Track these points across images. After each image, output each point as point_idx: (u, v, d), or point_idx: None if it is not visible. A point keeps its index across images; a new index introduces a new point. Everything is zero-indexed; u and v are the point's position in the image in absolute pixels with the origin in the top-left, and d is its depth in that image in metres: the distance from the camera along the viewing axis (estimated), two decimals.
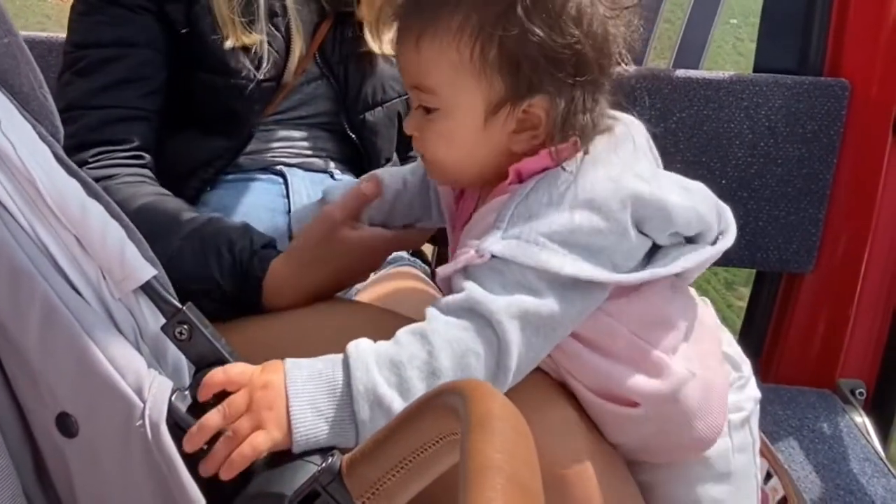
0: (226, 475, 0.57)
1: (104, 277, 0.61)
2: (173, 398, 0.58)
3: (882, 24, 1.36)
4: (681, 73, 1.40)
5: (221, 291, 0.84)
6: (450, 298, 0.66)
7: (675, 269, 0.69)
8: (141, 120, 1.02)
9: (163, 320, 0.61)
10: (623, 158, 0.71)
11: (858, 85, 1.37)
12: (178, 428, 0.57)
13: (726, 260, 1.43)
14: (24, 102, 0.63)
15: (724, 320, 0.90)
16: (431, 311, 0.65)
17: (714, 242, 0.74)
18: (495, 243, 0.66)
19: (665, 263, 0.69)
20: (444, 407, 0.48)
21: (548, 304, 0.64)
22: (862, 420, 1.28)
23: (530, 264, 0.64)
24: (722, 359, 0.75)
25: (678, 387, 0.68)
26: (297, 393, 0.60)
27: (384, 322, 0.72)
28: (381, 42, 1.08)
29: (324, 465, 0.54)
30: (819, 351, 1.43)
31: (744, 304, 1.63)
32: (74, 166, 0.62)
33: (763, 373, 1.49)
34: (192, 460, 0.57)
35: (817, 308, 1.44)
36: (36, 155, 0.60)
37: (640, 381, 0.68)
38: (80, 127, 0.97)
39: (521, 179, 0.70)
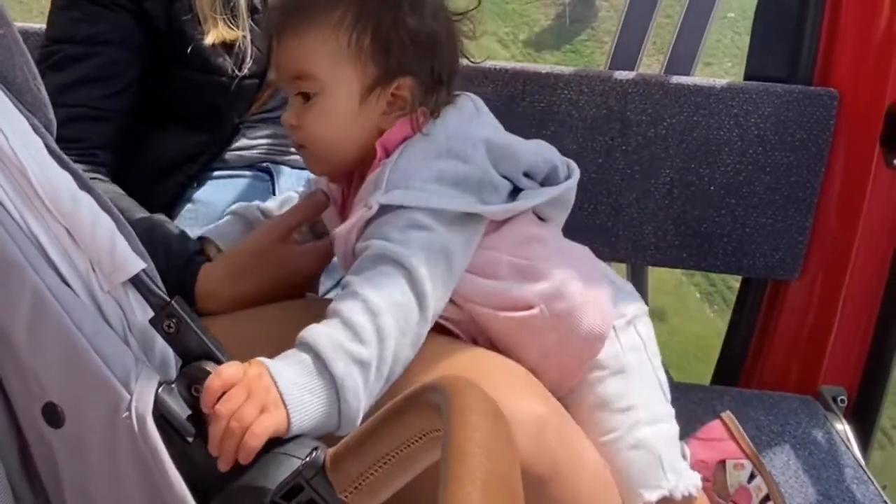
0: (245, 460, 0.58)
1: (94, 270, 0.61)
2: (160, 391, 0.59)
3: (872, 34, 1.38)
4: (672, 79, 1.41)
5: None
6: (358, 260, 0.73)
7: (532, 202, 0.80)
8: (102, 120, 1.02)
9: (151, 313, 0.61)
10: (469, 116, 0.83)
11: (847, 95, 1.38)
12: (164, 420, 0.58)
13: (713, 265, 1.45)
14: (18, 94, 0.63)
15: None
16: (348, 277, 0.72)
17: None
18: (380, 196, 0.75)
19: (524, 197, 0.81)
20: (426, 403, 0.49)
21: (439, 236, 0.74)
22: (843, 427, 1.29)
23: (416, 205, 0.74)
24: (597, 266, 0.87)
25: (560, 284, 0.78)
26: (280, 376, 0.62)
27: None
28: None
29: (307, 459, 0.55)
30: (802, 358, 1.44)
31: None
32: (66, 158, 0.63)
33: (746, 378, 1.50)
34: (176, 454, 0.58)
35: (802, 315, 1.45)
36: (29, 147, 0.60)
37: (528, 288, 0.78)
38: None
39: (387, 154, 0.79)
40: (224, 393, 0.60)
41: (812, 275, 1.43)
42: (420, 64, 0.80)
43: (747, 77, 1.48)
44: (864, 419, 1.34)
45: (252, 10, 1.05)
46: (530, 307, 0.78)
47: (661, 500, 0.80)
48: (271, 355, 0.65)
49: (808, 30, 1.42)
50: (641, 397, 0.82)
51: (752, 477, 0.93)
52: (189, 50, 1.02)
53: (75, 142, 0.99)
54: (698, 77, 1.45)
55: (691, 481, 0.81)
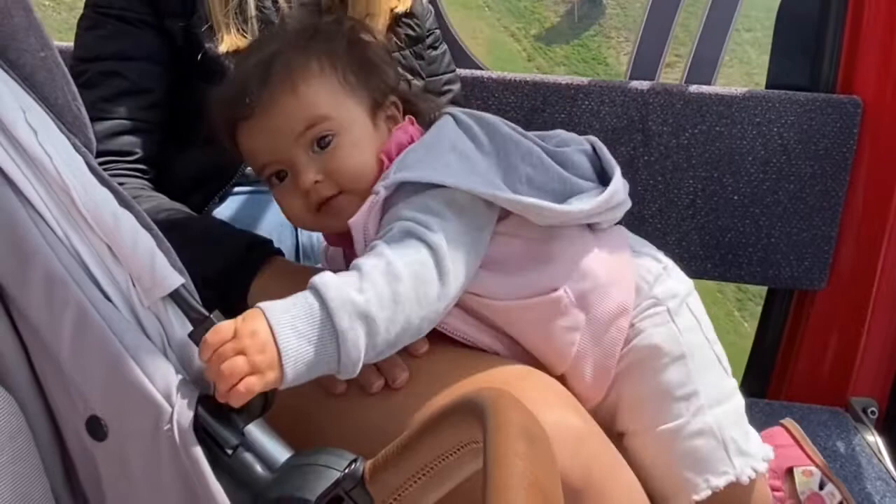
0: (236, 403, 0.60)
1: (134, 285, 0.62)
2: (200, 404, 0.60)
3: (894, 41, 1.37)
4: (693, 88, 1.41)
5: (222, 280, 0.87)
6: (387, 235, 0.74)
7: (531, 202, 0.78)
8: (143, 132, 1.04)
9: (190, 328, 0.62)
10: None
11: (871, 102, 1.38)
12: (205, 434, 0.58)
13: (738, 276, 1.44)
14: (59, 114, 0.65)
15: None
16: (376, 241, 0.74)
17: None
18: (389, 178, 0.78)
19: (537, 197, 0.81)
20: (465, 415, 0.49)
21: (451, 221, 0.75)
22: (874, 439, 1.28)
23: (425, 180, 0.77)
24: (627, 241, 0.87)
25: (579, 261, 0.80)
26: (278, 323, 0.63)
27: None
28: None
29: (346, 470, 0.55)
30: (831, 369, 1.43)
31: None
32: (107, 176, 0.64)
33: (774, 390, 1.49)
34: (217, 466, 0.58)
35: (829, 325, 1.44)
36: (71, 165, 0.62)
37: (548, 271, 0.80)
38: None
39: (390, 159, 0.83)
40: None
41: (839, 284, 1.42)
42: (393, 78, 0.89)
43: (769, 85, 1.48)
44: (895, 431, 1.33)
45: (266, 21, 1.06)
46: (554, 289, 0.78)
47: (729, 484, 0.79)
48: None
49: (830, 37, 1.42)
50: (703, 380, 0.81)
51: (822, 485, 0.92)
52: (208, 63, 1.04)
53: (121, 155, 1.01)
54: (719, 86, 1.45)
55: (757, 460, 0.81)
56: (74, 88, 0.67)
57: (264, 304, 0.65)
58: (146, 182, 1.04)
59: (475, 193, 0.77)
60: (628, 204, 0.87)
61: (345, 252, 0.90)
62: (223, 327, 0.62)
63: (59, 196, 0.60)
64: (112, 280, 0.62)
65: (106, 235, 0.61)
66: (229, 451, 0.59)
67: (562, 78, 1.43)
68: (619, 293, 0.81)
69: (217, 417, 0.60)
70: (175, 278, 0.62)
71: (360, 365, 0.67)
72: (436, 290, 0.72)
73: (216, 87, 0.91)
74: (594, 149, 0.89)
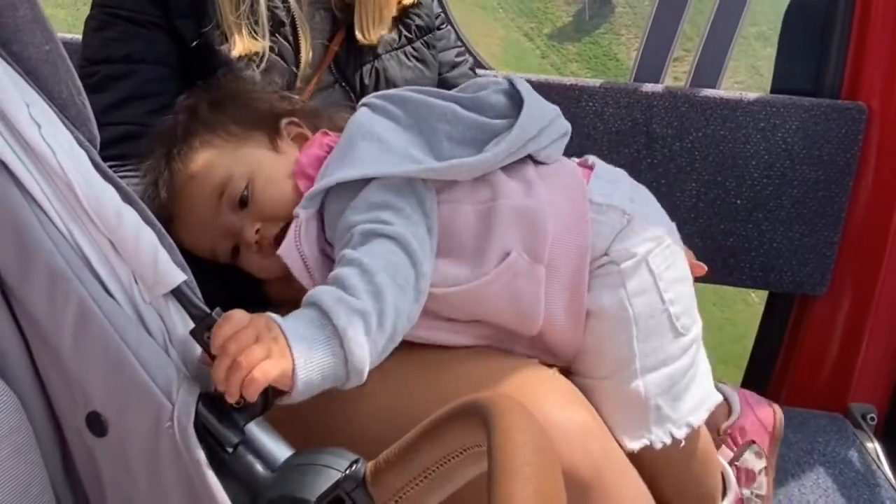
0: (251, 396, 0.59)
1: (136, 282, 0.62)
2: (201, 402, 0.59)
3: None
4: (698, 92, 1.41)
5: (231, 271, 0.88)
6: (349, 244, 0.75)
7: (444, 165, 0.81)
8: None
9: (191, 324, 0.62)
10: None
11: (876, 109, 1.38)
12: (205, 431, 0.58)
13: (739, 280, 1.44)
14: (63, 108, 0.64)
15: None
16: (343, 251, 0.74)
17: None
18: (315, 187, 0.80)
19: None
20: (468, 419, 0.49)
21: (396, 206, 0.77)
22: (873, 446, 1.27)
23: (336, 181, 0.78)
24: (581, 180, 0.87)
25: (528, 217, 0.80)
26: (287, 328, 0.64)
27: None
28: (369, 36, 1.09)
29: (348, 471, 0.55)
30: (830, 374, 1.43)
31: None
32: (110, 172, 0.64)
33: (773, 394, 1.49)
34: (217, 464, 0.58)
35: (830, 331, 1.44)
36: (74, 160, 0.61)
37: (498, 235, 0.80)
38: None
39: (309, 177, 0.85)
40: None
41: (840, 290, 1.42)
42: (279, 105, 0.92)
43: (774, 90, 1.48)
44: (894, 438, 1.32)
45: (278, 23, 1.06)
46: (507, 254, 0.79)
47: (643, 447, 0.81)
48: None
49: (836, 43, 1.42)
50: (643, 346, 0.81)
51: (760, 473, 0.94)
52: (217, 65, 1.03)
53: (129, 159, 1.00)
54: (724, 90, 1.44)
55: (679, 426, 0.81)
56: (79, 83, 0.66)
57: (269, 315, 0.65)
58: None
59: (390, 175, 0.78)
60: (565, 130, 0.89)
61: None
62: (237, 314, 0.62)
63: (62, 191, 0.60)
64: (114, 276, 0.61)
65: (109, 231, 0.61)
66: (230, 450, 0.59)
67: (566, 79, 1.43)
68: (574, 237, 0.81)
69: (218, 416, 0.60)
70: (177, 275, 0.62)
71: (367, 366, 0.67)
72: (412, 273, 0.73)
73: None
74: (511, 83, 0.89)
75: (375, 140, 0.82)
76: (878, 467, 1.21)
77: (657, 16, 1.47)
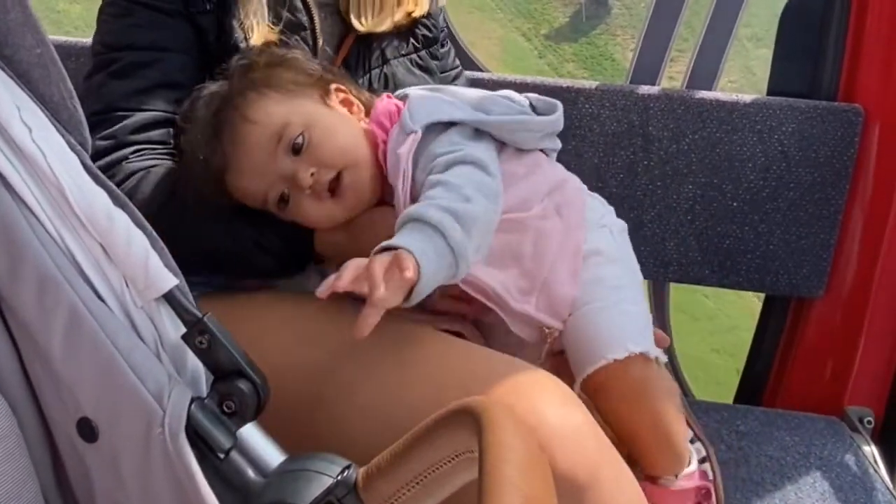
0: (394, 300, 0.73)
1: (127, 286, 0.62)
2: (192, 407, 0.59)
3: None
4: (694, 94, 1.41)
5: (278, 245, 0.94)
6: (434, 171, 0.87)
7: (520, 118, 0.97)
8: (174, 124, 1.02)
9: (183, 329, 0.62)
10: None
11: (872, 111, 1.38)
12: (197, 437, 0.58)
13: (736, 283, 1.44)
14: (55, 112, 0.64)
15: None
16: (430, 179, 0.86)
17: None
18: (418, 121, 0.90)
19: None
20: (459, 424, 0.49)
21: (475, 144, 0.91)
22: (870, 449, 1.27)
23: (451, 119, 0.92)
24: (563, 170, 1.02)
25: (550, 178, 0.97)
26: (394, 239, 0.76)
27: (397, 324, 0.83)
28: (365, 23, 1.10)
29: (339, 477, 0.55)
30: (827, 377, 1.43)
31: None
32: (102, 176, 0.64)
33: (770, 397, 1.49)
34: (209, 470, 0.58)
35: (826, 333, 1.44)
36: (65, 164, 0.61)
37: (530, 187, 0.95)
38: (119, 129, 0.98)
39: (385, 132, 0.94)
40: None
41: (837, 292, 1.42)
42: (325, 72, 0.98)
43: (770, 92, 1.48)
44: (891, 441, 1.32)
45: (298, 27, 1.06)
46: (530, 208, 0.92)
47: (610, 365, 0.86)
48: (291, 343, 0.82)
49: (832, 45, 1.42)
50: (630, 282, 0.95)
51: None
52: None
53: (156, 144, 1.00)
54: (721, 92, 1.44)
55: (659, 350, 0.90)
56: (70, 86, 0.66)
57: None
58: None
59: (479, 123, 0.92)
60: (559, 126, 1.00)
61: None
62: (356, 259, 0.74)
63: (52, 195, 0.60)
64: (105, 280, 0.61)
65: (100, 235, 0.61)
66: (221, 455, 0.59)
67: (562, 81, 1.43)
68: (576, 196, 0.97)
69: (210, 421, 0.60)
70: (169, 279, 0.62)
71: (470, 252, 0.79)
72: (493, 184, 0.86)
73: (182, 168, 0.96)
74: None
75: (454, 104, 0.95)
76: (875, 471, 1.21)
77: (653, 18, 1.47)
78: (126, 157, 0.97)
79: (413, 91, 0.99)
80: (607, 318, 0.89)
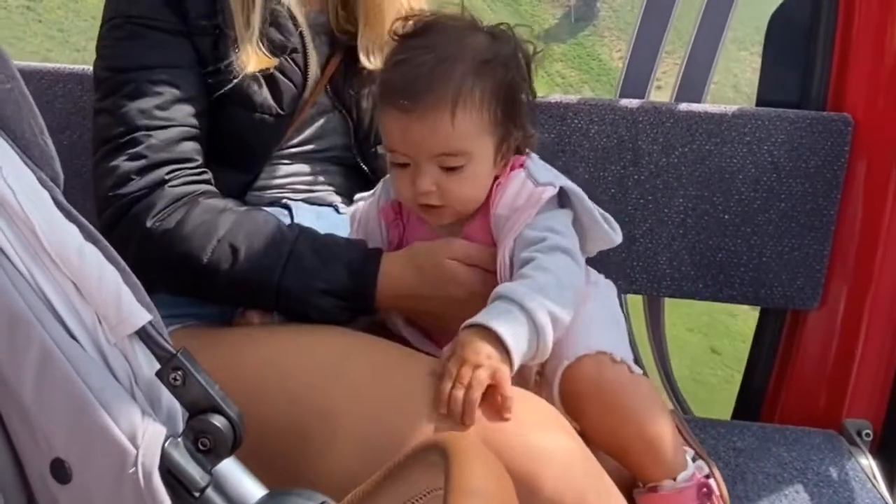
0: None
1: (100, 322, 0.61)
2: (167, 445, 0.58)
3: (885, 59, 1.37)
4: (683, 107, 1.40)
5: (342, 287, 0.93)
6: (541, 248, 0.88)
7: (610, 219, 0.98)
8: (198, 139, 1.03)
9: (157, 366, 0.61)
10: None
11: (862, 120, 1.37)
12: (170, 475, 0.57)
13: (730, 296, 1.43)
14: (26, 149, 0.64)
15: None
16: (531, 253, 0.88)
17: None
18: (551, 182, 0.92)
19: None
20: (430, 461, 0.48)
21: (572, 235, 0.93)
22: (868, 462, 1.25)
23: (582, 208, 0.94)
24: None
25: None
26: (500, 328, 0.79)
27: (377, 348, 0.88)
28: (373, 61, 1.10)
29: None
30: (825, 390, 1.41)
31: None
32: (74, 211, 0.63)
33: (767, 412, 1.47)
34: None
35: (823, 346, 1.42)
36: (36, 201, 0.61)
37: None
38: (146, 147, 0.98)
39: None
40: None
41: (832, 304, 1.40)
42: (525, 114, 0.94)
43: (759, 102, 1.47)
44: (890, 454, 1.30)
45: (290, 50, 1.06)
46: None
47: (578, 366, 0.87)
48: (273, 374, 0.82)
49: (821, 54, 1.41)
50: (603, 313, 0.97)
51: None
52: (231, 84, 1.03)
53: (184, 162, 1.00)
54: (709, 104, 1.44)
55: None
56: (41, 121, 0.66)
57: (474, 321, 0.80)
58: (210, 188, 1.03)
59: (590, 212, 0.94)
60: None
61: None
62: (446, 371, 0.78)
63: (22, 232, 0.59)
64: (78, 318, 0.60)
65: (71, 272, 0.60)
66: (196, 494, 0.58)
67: (551, 97, 1.43)
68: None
69: (184, 458, 0.59)
70: (142, 315, 0.61)
71: (551, 335, 0.82)
72: (581, 277, 0.91)
73: None
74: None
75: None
76: (874, 485, 1.19)
77: (641, 29, 1.47)
78: (164, 181, 0.98)
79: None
80: (573, 324, 0.88)
